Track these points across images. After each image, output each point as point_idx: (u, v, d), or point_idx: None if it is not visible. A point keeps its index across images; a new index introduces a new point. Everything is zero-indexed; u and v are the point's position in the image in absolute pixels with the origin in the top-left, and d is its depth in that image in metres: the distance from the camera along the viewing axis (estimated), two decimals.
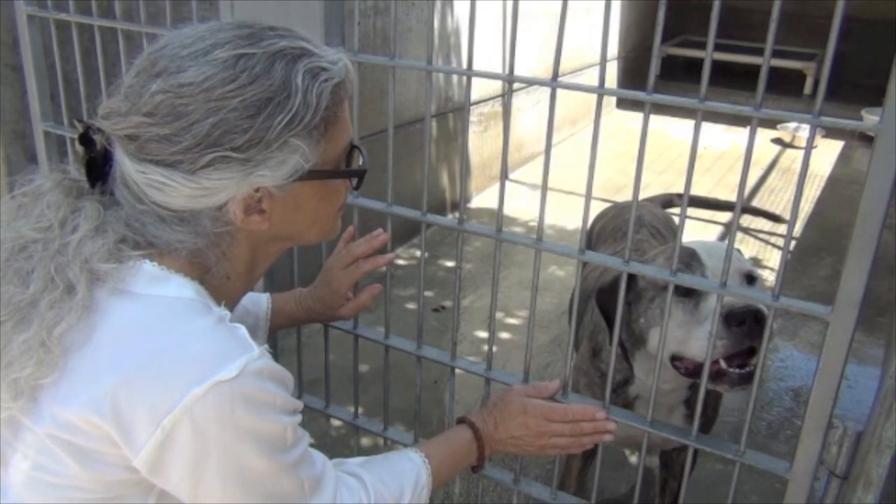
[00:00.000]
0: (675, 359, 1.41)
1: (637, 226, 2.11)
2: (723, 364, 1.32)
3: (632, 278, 1.47)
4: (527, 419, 1.21)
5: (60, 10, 1.66)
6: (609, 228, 2.32)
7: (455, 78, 4.12)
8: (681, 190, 1.15)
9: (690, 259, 1.39)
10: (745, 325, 1.26)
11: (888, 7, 6.22)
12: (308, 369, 1.59)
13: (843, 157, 5.55)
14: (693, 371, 1.39)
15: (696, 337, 1.35)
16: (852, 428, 1.05)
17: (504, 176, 1.27)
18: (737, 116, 1.04)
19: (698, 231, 4.06)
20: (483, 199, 4.53)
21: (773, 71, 1.01)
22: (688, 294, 1.38)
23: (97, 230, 0.90)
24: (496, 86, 4.50)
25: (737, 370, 1.32)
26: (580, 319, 1.92)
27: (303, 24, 1.27)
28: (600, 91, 1.10)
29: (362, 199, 1.37)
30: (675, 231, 2.40)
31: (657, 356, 1.21)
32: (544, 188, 1.20)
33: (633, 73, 6.61)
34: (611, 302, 1.44)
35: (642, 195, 1.21)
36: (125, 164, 0.90)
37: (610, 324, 1.44)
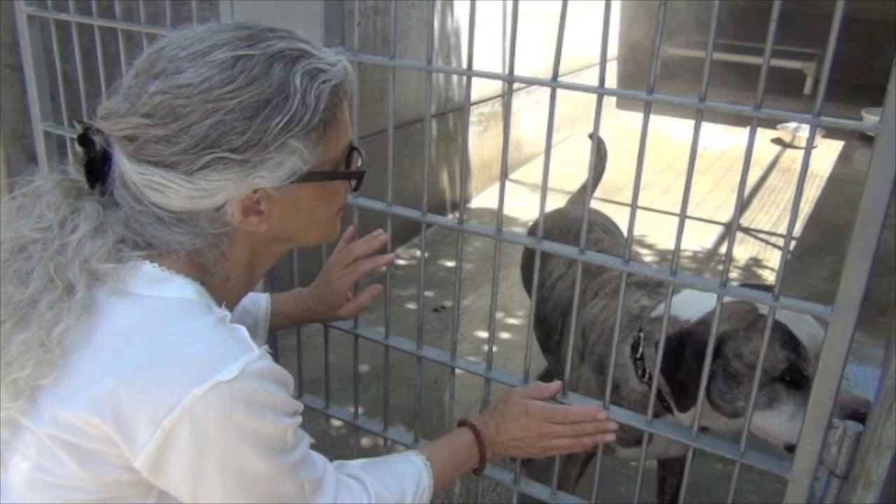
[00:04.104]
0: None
1: (588, 226, 2.03)
2: None
3: (717, 347, 1.34)
4: (528, 421, 1.21)
5: (60, 10, 1.66)
6: (555, 231, 2.22)
7: (455, 78, 4.12)
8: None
9: (795, 344, 1.32)
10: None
11: (888, 7, 6.21)
12: (308, 369, 1.59)
13: (843, 157, 5.55)
14: None
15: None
16: (852, 428, 1.05)
17: (504, 176, 1.27)
18: (737, 116, 1.04)
19: (698, 231, 4.06)
20: (483, 199, 4.53)
21: (773, 71, 1.00)
22: (798, 386, 1.32)
23: (97, 230, 0.90)
24: (496, 86, 4.51)
25: None
26: (560, 333, 1.88)
27: (302, 24, 1.28)
28: (600, 91, 1.10)
29: (362, 199, 1.37)
30: (616, 227, 2.33)
31: (744, 428, 1.15)
32: (544, 188, 1.20)
33: (633, 73, 6.61)
34: (679, 366, 1.36)
35: (642, 195, 1.20)
36: (124, 165, 0.90)
37: (674, 387, 1.37)
